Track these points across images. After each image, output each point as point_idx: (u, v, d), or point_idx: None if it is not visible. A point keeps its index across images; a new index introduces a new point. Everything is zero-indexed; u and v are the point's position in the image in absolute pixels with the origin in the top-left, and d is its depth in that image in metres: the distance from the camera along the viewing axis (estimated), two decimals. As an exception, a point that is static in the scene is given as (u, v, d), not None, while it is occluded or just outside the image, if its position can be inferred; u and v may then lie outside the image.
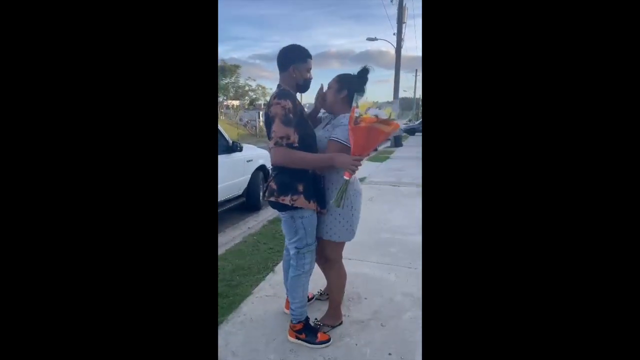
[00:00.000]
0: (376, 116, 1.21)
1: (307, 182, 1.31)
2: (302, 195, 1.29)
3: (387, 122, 1.22)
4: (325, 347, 1.47)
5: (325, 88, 1.48)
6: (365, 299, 1.87)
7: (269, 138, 1.28)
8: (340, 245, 1.50)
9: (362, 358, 1.40)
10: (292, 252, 1.42)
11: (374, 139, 1.24)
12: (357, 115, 1.22)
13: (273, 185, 1.32)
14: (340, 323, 1.62)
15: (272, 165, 1.33)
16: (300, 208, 1.30)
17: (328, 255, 1.51)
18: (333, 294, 1.59)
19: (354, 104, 1.30)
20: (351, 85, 1.40)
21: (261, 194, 1.43)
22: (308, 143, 1.33)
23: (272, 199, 1.32)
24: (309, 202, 1.31)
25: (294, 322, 1.48)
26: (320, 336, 1.49)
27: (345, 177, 1.28)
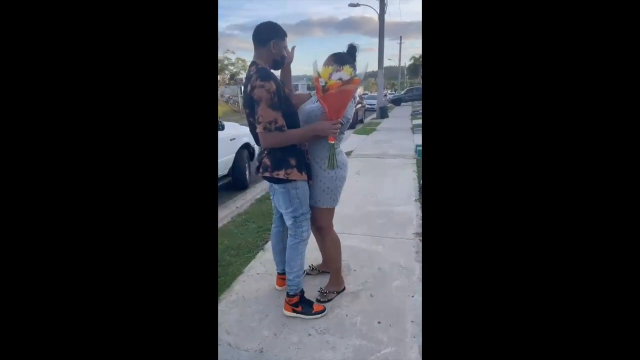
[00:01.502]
0: (340, 79, 1.33)
1: (298, 156, 1.41)
2: (295, 169, 1.39)
3: (350, 80, 1.35)
4: (321, 317, 1.52)
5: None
6: (355, 270, 1.92)
7: (254, 120, 1.33)
8: (328, 212, 1.58)
9: (353, 328, 1.46)
10: (289, 222, 1.49)
11: (344, 100, 1.37)
12: (323, 84, 1.33)
13: (267, 161, 1.39)
14: (344, 288, 1.71)
15: (262, 147, 1.39)
16: (294, 180, 1.39)
17: (319, 223, 1.59)
18: (332, 261, 1.67)
19: (314, 74, 1.39)
20: (346, 63, 1.44)
21: (254, 170, 1.49)
22: (292, 120, 1.39)
23: (267, 174, 1.40)
24: (301, 174, 1.41)
25: (290, 293, 1.52)
26: (315, 307, 1.54)
27: (330, 142, 1.41)
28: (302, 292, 1.55)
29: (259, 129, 1.30)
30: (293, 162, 1.38)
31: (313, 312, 1.53)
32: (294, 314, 1.53)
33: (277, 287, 1.75)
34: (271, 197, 1.62)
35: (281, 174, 1.37)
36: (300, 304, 1.53)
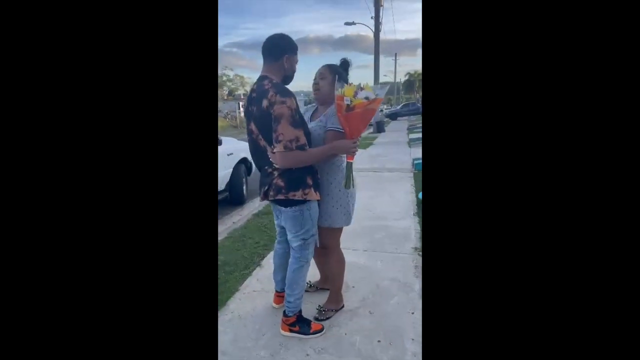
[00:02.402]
0: (367, 98, 1.26)
1: (314, 175, 1.35)
2: (312, 188, 1.31)
3: (374, 100, 1.29)
4: (319, 336, 1.48)
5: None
6: (353, 287, 1.88)
7: (272, 139, 1.22)
8: (339, 231, 1.54)
9: (352, 347, 1.42)
10: (295, 244, 1.41)
11: (367, 119, 1.32)
12: (348, 103, 1.26)
13: (280, 182, 1.29)
14: (343, 306, 1.67)
15: (279, 167, 1.28)
16: (309, 201, 1.32)
17: (327, 243, 1.54)
18: (334, 280, 1.64)
19: (337, 92, 1.30)
20: (339, 74, 1.42)
21: (261, 195, 1.37)
22: (308, 139, 1.31)
23: (280, 196, 1.30)
24: (317, 194, 1.35)
25: (289, 314, 1.48)
26: (313, 326, 1.50)
27: (349, 160, 1.36)
28: (300, 311, 1.51)
29: (278, 148, 1.21)
30: (310, 181, 1.31)
31: (311, 331, 1.48)
32: (292, 334, 1.48)
33: (274, 305, 1.71)
34: (275, 218, 1.56)
35: (298, 195, 1.28)
36: (298, 324, 1.48)
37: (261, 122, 1.26)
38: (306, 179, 1.30)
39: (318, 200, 1.39)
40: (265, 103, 1.22)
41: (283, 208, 1.36)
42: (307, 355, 1.38)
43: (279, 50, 1.29)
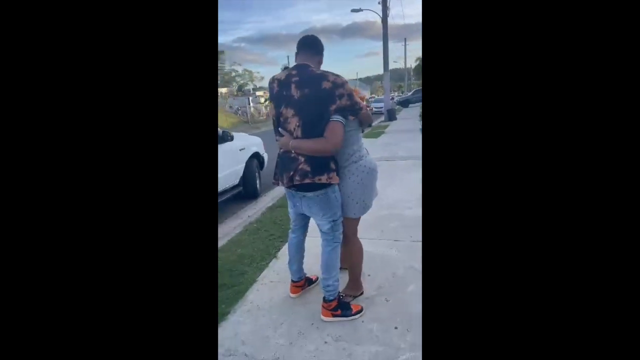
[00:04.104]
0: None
1: (335, 160, 1.42)
2: (334, 172, 1.40)
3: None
4: (361, 316, 1.54)
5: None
6: (369, 275, 1.89)
7: (314, 120, 1.33)
8: (356, 221, 1.58)
9: (370, 334, 1.44)
10: (326, 227, 1.47)
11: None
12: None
13: (306, 167, 1.35)
14: (362, 293, 1.71)
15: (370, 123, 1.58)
16: (333, 184, 1.41)
17: (346, 232, 1.59)
18: (353, 267, 1.68)
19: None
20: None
21: (286, 180, 1.41)
22: None
23: (307, 180, 1.36)
24: (338, 177, 1.43)
25: (330, 298, 1.51)
26: (354, 307, 1.55)
27: None
28: (339, 295, 1.56)
29: (365, 113, 1.46)
30: (333, 166, 1.39)
31: (353, 312, 1.53)
32: (335, 319, 1.52)
33: (291, 294, 1.75)
34: (291, 209, 1.60)
35: (323, 179, 1.35)
36: (339, 308, 1.53)
37: (310, 103, 1.31)
38: (330, 163, 1.38)
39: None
40: (326, 84, 1.30)
41: (309, 193, 1.40)
42: (326, 342, 1.41)
43: (319, 47, 1.43)
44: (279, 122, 1.43)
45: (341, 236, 1.52)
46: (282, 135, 1.41)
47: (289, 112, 1.35)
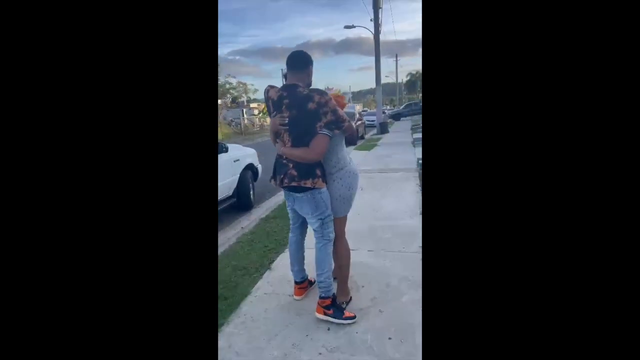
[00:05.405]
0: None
1: (322, 168, 1.58)
2: (319, 178, 1.55)
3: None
4: (352, 323, 1.57)
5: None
6: (363, 286, 1.90)
7: (304, 134, 1.49)
8: (344, 219, 1.71)
9: (364, 345, 1.44)
10: (315, 225, 1.61)
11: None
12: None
13: (294, 172, 1.53)
14: (350, 298, 1.75)
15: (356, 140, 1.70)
16: (318, 188, 1.55)
17: (336, 231, 1.70)
18: (342, 270, 1.73)
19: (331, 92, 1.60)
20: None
21: (278, 182, 1.61)
22: None
23: (293, 183, 1.53)
24: (324, 183, 1.58)
25: (323, 295, 1.60)
26: (346, 313, 1.60)
27: None
28: (334, 296, 1.63)
29: (348, 125, 1.56)
30: (318, 172, 1.53)
31: (343, 317, 1.57)
32: (325, 317, 1.58)
33: (295, 297, 1.80)
34: (289, 208, 1.73)
35: (309, 183, 1.51)
36: (332, 307, 1.59)
37: (298, 121, 1.49)
38: (316, 170, 1.53)
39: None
40: (311, 105, 1.45)
41: (297, 194, 1.57)
42: (320, 354, 1.40)
43: (305, 61, 1.55)
44: (276, 132, 1.60)
45: (332, 235, 1.62)
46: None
47: (281, 127, 1.55)
